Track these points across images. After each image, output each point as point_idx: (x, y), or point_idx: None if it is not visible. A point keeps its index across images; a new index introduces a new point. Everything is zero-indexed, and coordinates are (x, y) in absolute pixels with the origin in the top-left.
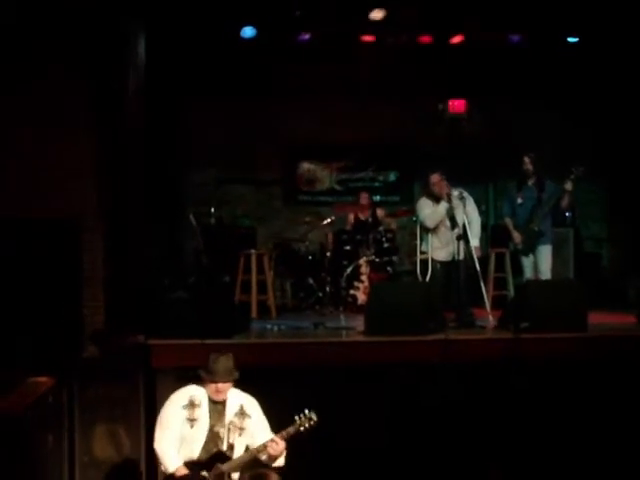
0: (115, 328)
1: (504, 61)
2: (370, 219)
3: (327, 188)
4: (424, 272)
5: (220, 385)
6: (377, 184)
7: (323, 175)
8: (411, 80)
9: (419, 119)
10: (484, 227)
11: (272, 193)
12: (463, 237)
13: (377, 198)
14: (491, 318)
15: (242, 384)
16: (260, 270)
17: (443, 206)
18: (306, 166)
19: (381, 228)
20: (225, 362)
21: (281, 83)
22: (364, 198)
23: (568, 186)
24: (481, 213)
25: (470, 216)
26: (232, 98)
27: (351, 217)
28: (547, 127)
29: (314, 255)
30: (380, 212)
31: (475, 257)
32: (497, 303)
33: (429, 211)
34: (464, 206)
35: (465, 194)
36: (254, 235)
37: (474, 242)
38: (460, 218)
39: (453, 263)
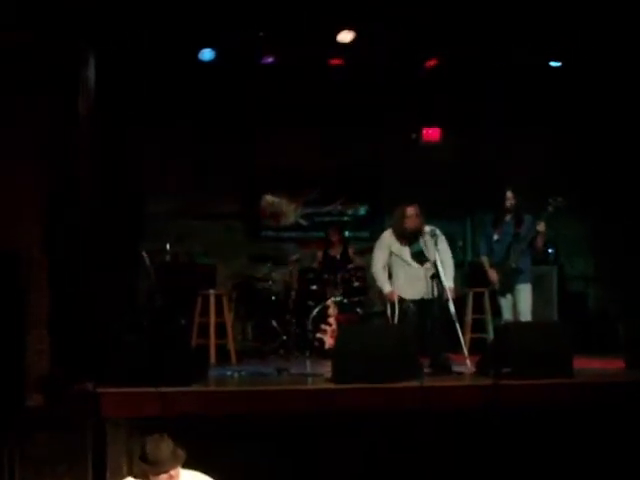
0: (61, 374)
1: (482, 86)
2: (339, 256)
3: (292, 223)
4: (397, 314)
5: (172, 472)
6: (346, 218)
7: (288, 209)
8: (382, 107)
9: (391, 148)
10: (461, 264)
11: (233, 228)
12: (436, 276)
13: (345, 234)
14: (469, 363)
15: (201, 437)
16: (219, 312)
17: (407, 250)
18: (269, 199)
19: (350, 266)
20: (167, 445)
21: (242, 109)
22: (334, 234)
23: (540, 227)
24: (458, 249)
25: (442, 255)
26: (189, 125)
27: (320, 254)
28: (528, 157)
29: (278, 295)
30: (351, 249)
31: (450, 299)
32: (475, 347)
33: (382, 254)
34: (435, 244)
35: (437, 232)
36: (213, 274)
37: (448, 283)
38: (432, 256)
39: (424, 302)
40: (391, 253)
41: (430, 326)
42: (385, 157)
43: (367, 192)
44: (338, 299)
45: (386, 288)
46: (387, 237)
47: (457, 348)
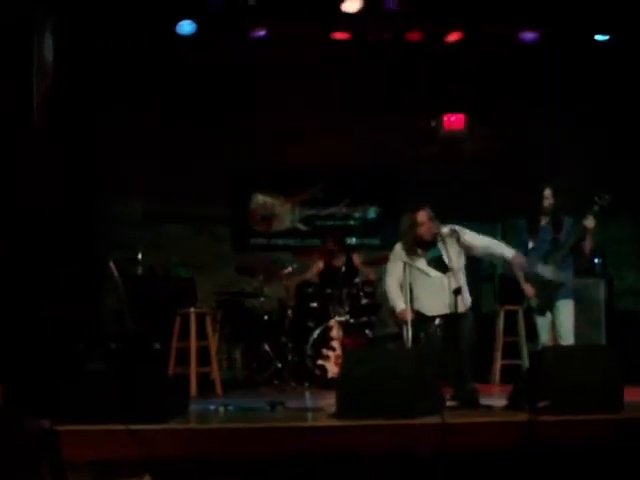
0: (13, 409)
1: (515, 65)
2: (344, 268)
3: (288, 228)
4: (413, 334)
5: None
6: (352, 222)
7: (283, 211)
8: (396, 89)
9: (406, 139)
10: (490, 278)
11: (217, 234)
12: (459, 291)
13: (352, 240)
14: (500, 395)
15: None
16: (201, 334)
17: (422, 259)
18: (261, 199)
19: (357, 280)
20: None
21: (228, 93)
22: (331, 241)
23: (589, 222)
24: (486, 260)
25: (475, 241)
26: (166, 111)
27: (320, 265)
28: (568, 148)
29: (271, 315)
30: (357, 259)
31: (519, 268)
32: (507, 375)
33: (394, 267)
34: (457, 240)
35: (457, 227)
36: (194, 289)
37: (509, 252)
38: (455, 262)
39: (450, 318)
40: (405, 265)
41: (455, 349)
42: (399, 149)
43: (378, 191)
44: (343, 319)
45: (398, 306)
46: (399, 250)
47: (486, 376)
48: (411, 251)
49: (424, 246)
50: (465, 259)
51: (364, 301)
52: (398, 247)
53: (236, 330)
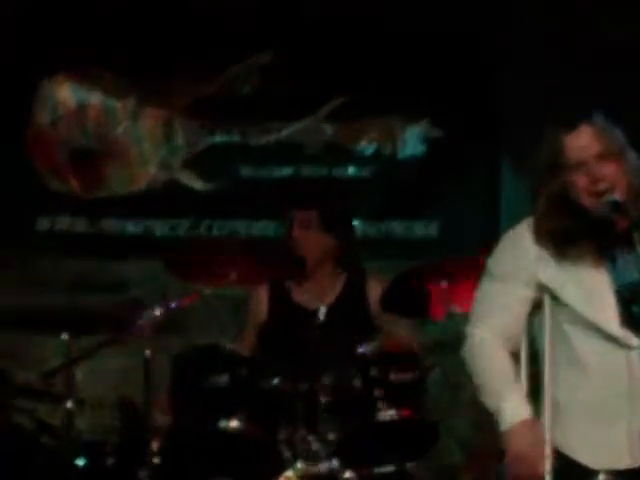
0: None
1: None
2: (323, 311)
3: (155, 184)
4: None
5: None
6: (351, 172)
7: (139, 132)
8: None
9: None
10: None
11: None
12: None
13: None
14: None
15: None
16: None
17: (601, 276)
18: (65, 96)
19: (367, 350)
20: None
21: None
22: (302, 225)
23: None
24: None
25: None
26: None
27: (262, 294)
28: None
29: (99, 450)
30: (375, 285)
31: None
32: None
33: (503, 290)
34: None
35: None
36: None
37: None
38: None
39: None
40: (542, 289)
41: None
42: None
43: (430, 88)
44: (315, 469)
45: (506, 411)
46: (526, 238)
47: None
48: (558, 243)
49: (596, 234)
50: None
51: (386, 414)
52: (523, 232)
53: None
